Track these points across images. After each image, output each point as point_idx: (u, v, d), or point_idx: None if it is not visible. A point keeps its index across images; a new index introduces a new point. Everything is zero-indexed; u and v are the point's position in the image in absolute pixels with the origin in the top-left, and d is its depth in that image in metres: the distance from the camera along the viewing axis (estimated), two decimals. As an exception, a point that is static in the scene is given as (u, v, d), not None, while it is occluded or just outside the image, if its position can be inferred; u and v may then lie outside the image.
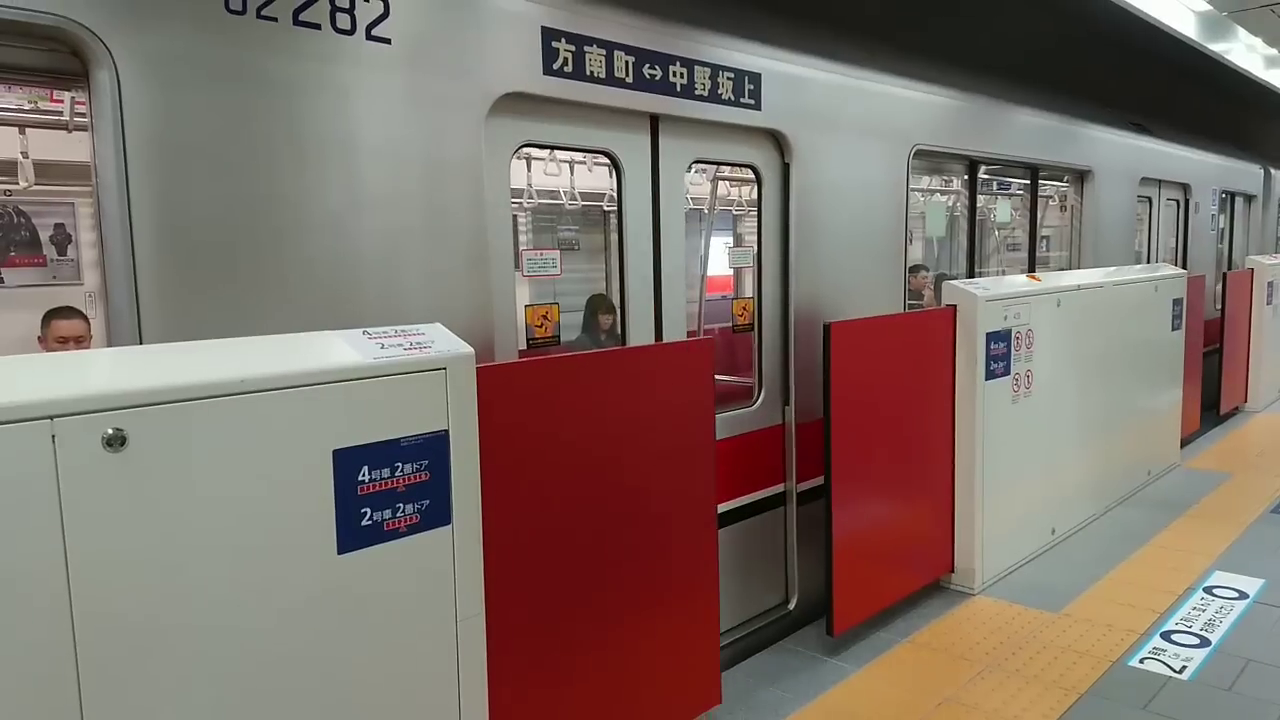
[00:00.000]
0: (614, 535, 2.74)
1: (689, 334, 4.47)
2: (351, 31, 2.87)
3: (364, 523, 1.95)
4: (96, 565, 1.61)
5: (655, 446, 2.84)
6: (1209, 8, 7.47)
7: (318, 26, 2.79)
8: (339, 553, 1.92)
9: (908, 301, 5.61)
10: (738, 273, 5.97)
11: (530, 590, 2.49)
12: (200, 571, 1.73)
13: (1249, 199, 11.90)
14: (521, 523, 2.44)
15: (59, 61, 2.48)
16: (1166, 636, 3.65)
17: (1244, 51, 9.08)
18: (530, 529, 2.47)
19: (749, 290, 4.88)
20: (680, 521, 2.99)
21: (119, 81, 2.44)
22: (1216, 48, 8.59)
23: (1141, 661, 3.45)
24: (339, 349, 2.00)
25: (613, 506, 2.73)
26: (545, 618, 2.54)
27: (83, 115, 2.66)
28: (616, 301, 4.13)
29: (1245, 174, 11.39)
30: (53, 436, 1.55)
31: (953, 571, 4.22)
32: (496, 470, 2.28)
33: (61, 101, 4.08)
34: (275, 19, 2.70)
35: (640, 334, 4.10)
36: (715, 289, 7.01)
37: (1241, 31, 8.35)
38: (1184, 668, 3.40)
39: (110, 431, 1.61)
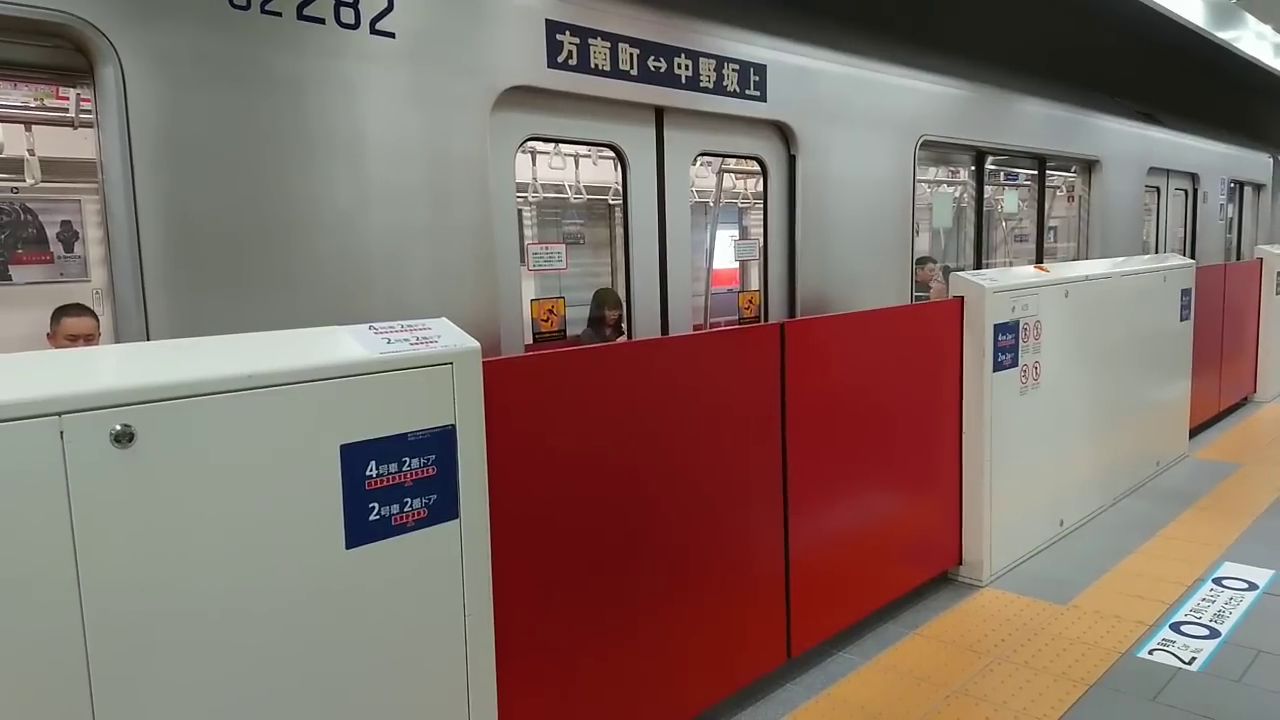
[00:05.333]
0: (643, 521, 2.75)
1: (695, 327, 4.47)
2: (356, 26, 2.87)
3: (372, 517, 1.95)
4: (105, 561, 1.62)
5: (673, 434, 2.84)
6: (1218, -5, 7.42)
7: (322, 21, 2.79)
8: (347, 547, 1.92)
9: (915, 293, 5.60)
10: (744, 265, 5.97)
11: (547, 582, 2.49)
12: (209, 567, 1.74)
13: (1258, 188, 11.83)
14: (533, 516, 2.44)
15: (64, 58, 2.48)
16: (1176, 628, 3.64)
17: (1253, 39, 9.02)
18: (544, 521, 2.47)
19: (755, 283, 4.88)
20: (724, 503, 3.02)
21: (124, 78, 2.44)
22: (1225, 35, 8.53)
23: (1150, 653, 3.44)
24: (345, 344, 1.99)
25: (640, 493, 2.74)
26: (565, 607, 2.54)
27: (88, 112, 2.67)
28: (622, 295, 4.13)
29: (1254, 163, 11.32)
30: (61, 433, 1.56)
31: (961, 564, 4.21)
32: (504, 464, 2.28)
33: (67, 98, 4.09)
34: (279, 14, 2.70)
35: (646, 327, 4.10)
36: (721, 282, 7.01)
37: (1250, 19, 8.29)
38: (1193, 659, 3.39)
39: (118, 428, 1.61)
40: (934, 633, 3.67)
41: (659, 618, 2.84)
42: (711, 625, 3.01)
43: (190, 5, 2.54)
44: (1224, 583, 4.07)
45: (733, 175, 7.02)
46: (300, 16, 2.74)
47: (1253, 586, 4.02)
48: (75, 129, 3.99)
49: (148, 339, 2.50)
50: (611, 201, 7.47)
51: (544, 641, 2.52)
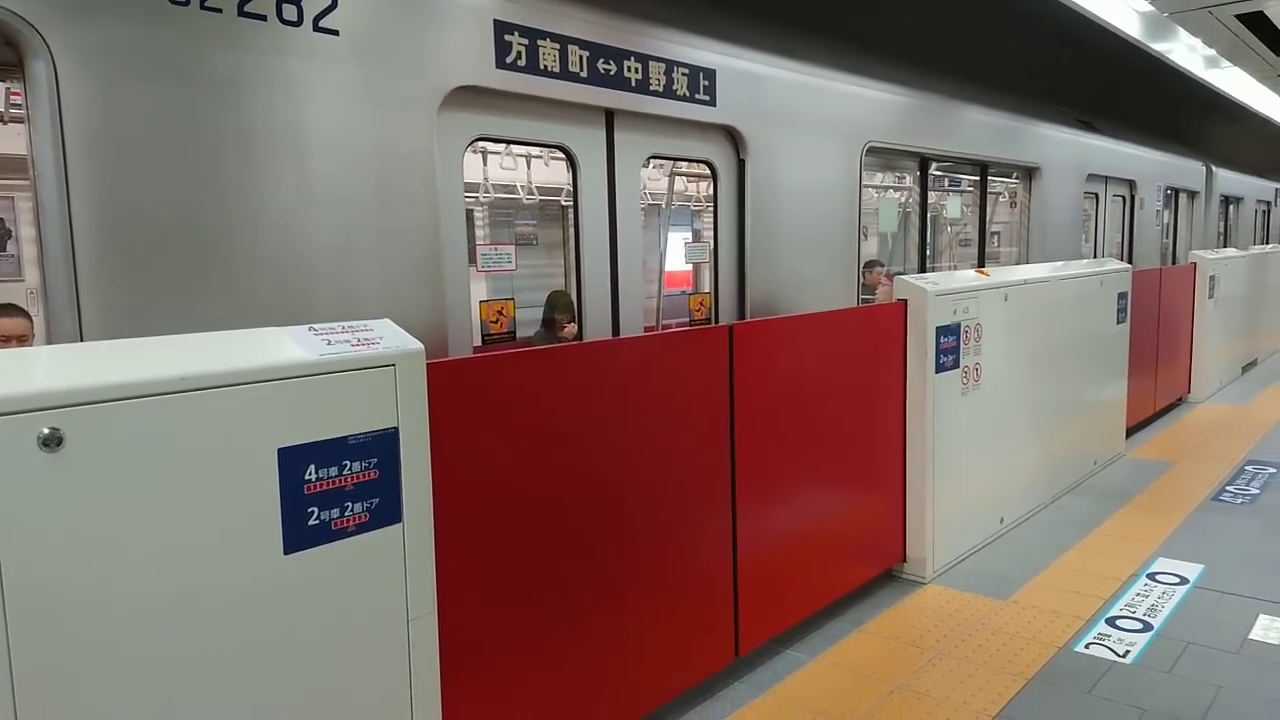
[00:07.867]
0: (592, 522, 2.75)
1: (646, 329, 4.49)
2: (298, 23, 2.83)
3: (311, 522, 1.93)
4: (32, 568, 1.57)
5: (621, 436, 2.85)
6: (1151, 8, 7.65)
7: (263, 18, 2.74)
8: (285, 553, 1.89)
9: (862, 296, 5.69)
10: (696, 268, 6.01)
11: (494, 585, 2.48)
12: (141, 574, 1.70)
13: (1192, 195, 12.24)
14: (479, 519, 2.43)
15: (-8, 52, 2.41)
16: (1111, 622, 3.75)
17: (1185, 51, 9.32)
18: (490, 524, 2.46)
19: (707, 285, 4.91)
20: (673, 504, 3.03)
21: (56, 73, 2.38)
22: (1159, 47, 8.81)
23: (1087, 646, 3.54)
24: (284, 346, 1.97)
25: (588, 494, 2.74)
26: (512, 610, 2.53)
27: (19, 107, 2.59)
28: (574, 297, 4.13)
29: (1188, 171, 11.71)
30: (-15, 437, 1.51)
31: (905, 561, 4.29)
32: (449, 467, 2.27)
33: (-3, 93, 3.97)
34: (220, 10, 2.65)
35: (597, 329, 4.11)
36: (674, 284, 7.04)
37: (1182, 32, 8.56)
38: (1127, 652, 3.49)
39: (46, 431, 1.57)
40: (878, 629, 3.74)
41: (607, 619, 2.84)
42: (660, 625, 3.02)
43: (126, 0, 2.48)
44: (1157, 578, 4.20)
45: (684, 178, 7.07)
46: (241, 13, 2.69)
47: (1184, 581, 4.16)
48: (5, 124, 3.88)
49: (81, 340, 2.44)
50: (564, 203, 7.46)
51: (490, 645, 2.51)
